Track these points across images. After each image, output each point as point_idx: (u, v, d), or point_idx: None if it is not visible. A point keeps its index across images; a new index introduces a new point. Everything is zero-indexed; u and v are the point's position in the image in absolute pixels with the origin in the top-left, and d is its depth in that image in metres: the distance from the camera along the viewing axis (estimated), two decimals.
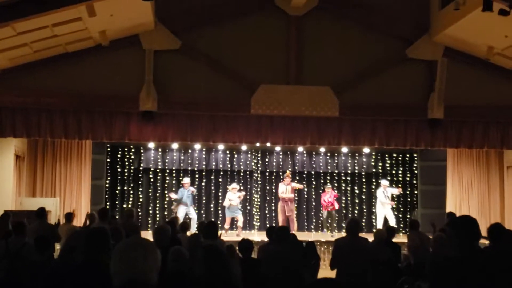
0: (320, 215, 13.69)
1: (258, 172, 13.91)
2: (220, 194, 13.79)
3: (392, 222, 12.27)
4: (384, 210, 12.60)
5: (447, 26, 9.98)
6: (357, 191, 14.10)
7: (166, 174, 13.77)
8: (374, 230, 11.46)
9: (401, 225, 13.77)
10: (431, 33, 10.64)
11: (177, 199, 12.25)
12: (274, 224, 12.24)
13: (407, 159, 14.01)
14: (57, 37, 9.17)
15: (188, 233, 8.07)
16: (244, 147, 13.36)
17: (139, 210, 13.34)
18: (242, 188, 13.18)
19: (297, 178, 13.94)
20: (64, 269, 3.71)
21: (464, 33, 9.98)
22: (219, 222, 12.35)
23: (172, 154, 13.56)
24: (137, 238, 2.50)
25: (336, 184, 13.72)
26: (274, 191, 13.30)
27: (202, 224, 7.77)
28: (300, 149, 13.52)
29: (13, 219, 8.04)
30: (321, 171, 13.95)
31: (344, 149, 13.41)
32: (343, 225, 12.33)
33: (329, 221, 12.86)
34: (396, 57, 10.86)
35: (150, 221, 13.49)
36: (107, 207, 12.79)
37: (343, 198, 13.94)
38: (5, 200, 10.56)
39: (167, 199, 13.64)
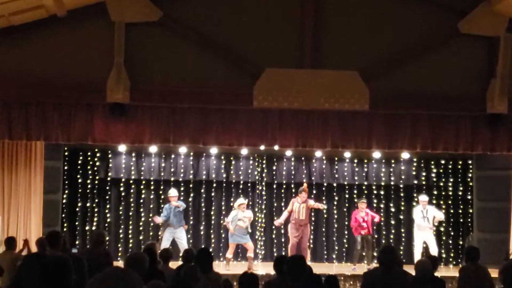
0: (345, 241, 13.64)
1: (263, 184, 13.89)
2: (212, 213, 13.77)
3: (434, 251, 12.22)
4: (423, 235, 12.55)
5: None
6: (393, 210, 14.06)
7: (142, 187, 13.76)
8: (415, 261, 11.45)
9: (451, 254, 13.71)
10: (491, 1, 10.58)
11: (165, 222, 12.24)
12: (284, 253, 12.20)
13: (459, 167, 13.98)
14: None
15: (171, 264, 8.04)
16: (244, 151, 13.33)
17: (106, 233, 13.30)
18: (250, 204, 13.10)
19: (314, 191, 13.90)
20: None
21: None
22: (211, 249, 12.28)
23: (149, 161, 13.55)
24: (117, 270, 2.44)
25: (366, 200, 13.65)
26: (283, 208, 13.25)
27: (189, 253, 7.73)
28: (318, 154, 13.49)
29: None
30: (345, 183, 13.92)
31: (376, 154, 13.37)
32: (375, 254, 12.28)
33: (365, 249, 12.72)
34: (444, 33, 10.84)
35: (120, 248, 13.47)
36: (64, 229, 12.79)
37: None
38: None
39: (143, 219, 13.62)
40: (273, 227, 13.78)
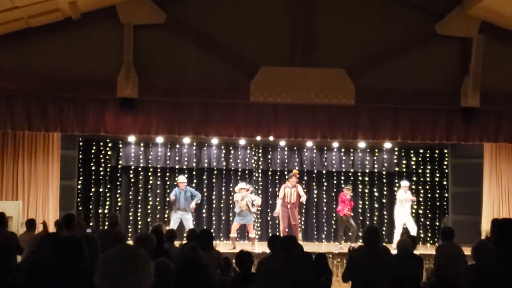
0: (333, 222, 13.66)
1: (259, 171, 13.87)
2: (213, 197, 13.77)
3: (413, 231, 12.24)
4: (403, 217, 12.56)
5: None
6: (376, 194, 14.08)
7: (150, 174, 13.74)
8: (395, 240, 11.47)
9: (429, 234, 13.75)
10: (465, 5, 10.54)
11: (175, 205, 12.18)
12: (278, 233, 12.22)
13: (436, 155, 13.99)
14: (18, 9, 9.08)
15: (177, 243, 8.05)
16: (242, 142, 13.31)
17: (119, 215, 13.30)
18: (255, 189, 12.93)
19: (305, 178, 13.91)
20: (28, 285, 3.66)
21: (505, 4, 9.88)
22: (212, 230, 12.29)
23: (156, 150, 13.52)
24: (126, 246, 2.44)
25: (351, 186, 13.64)
26: (277, 193, 13.25)
27: (193, 233, 7.74)
28: (309, 144, 13.48)
29: None
30: (333, 170, 13.92)
31: (361, 144, 13.37)
32: (360, 234, 12.29)
33: (347, 229, 12.75)
34: (423, 34, 10.79)
35: (130, 229, 13.47)
36: (80, 212, 12.78)
37: (360, 202, 13.90)
38: None
39: (150, 203, 13.61)
40: (268, 210, 13.79)
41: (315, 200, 14.03)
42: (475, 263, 4.52)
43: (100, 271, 2.27)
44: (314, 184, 14.03)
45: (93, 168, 13.44)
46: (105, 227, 11.34)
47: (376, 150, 13.87)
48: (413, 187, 13.79)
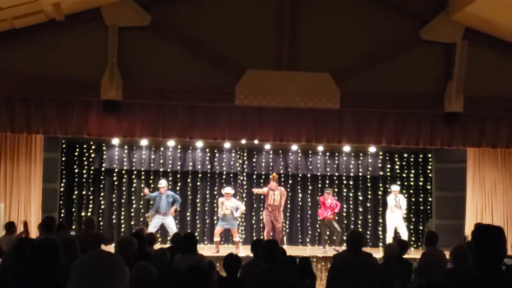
0: (317, 226, 13.69)
1: (244, 174, 13.87)
2: (198, 200, 13.75)
3: (404, 235, 12.29)
4: (395, 220, 12.60)
5: (469, 2, 9.98)
6: (360, 198, 14.12)
7: (133, 176, 13.69)
8: (381, 245, 11.49)
9: (413, 238, 13.82)
10: (449, 11, 10.65)
11: (153, 209, 12.12)
12: (262, 237, 12.22)
13: (420, 160, 14.08)
14: (1, 10, 9.04)
15: (156, 247, 8.02)
16: (227, 145, 13.31)
17: (100, 219, 13.27)
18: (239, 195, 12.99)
19: (290, 181, 13.94)
20: None
21: (488, 11, 9.99)
22: (196, 234, 12.25)
23: (140, 153, 13.47)
24: (101, 252, 2.43)
25: (336, 189, 13.70)
26: (262, 197, 13.27)
27: (177, 237, 7.73)
28: (294, 147, 13.50)
29: None
30: (318, 173, 13.95)
31: (346, 148, 13.42)
32: (344, 238, 12.33)
33: (328, 233, 12.79)
34: (408, 39, 10.87)
35: (113, 233, 13.37)
36: (62, 215, 12.70)
37: (344, 205, 13.94)
38: None
39: (134, 206, 13.56)
40: (253, 213, 13.79)
41: (300, 203, 14.05)
42: (453, 267, 4.59)
43: (75, 276, 2.26)
44: (298, 187, 14.05)
45: (76, 170, 13.36)
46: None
47: (361, 154, 13.93)
48: (399, 191, 13.87)
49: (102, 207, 13.52)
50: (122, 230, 13.44)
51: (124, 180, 13.66)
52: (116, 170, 13.56)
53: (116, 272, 2.27)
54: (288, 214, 13.77)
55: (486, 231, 3.16)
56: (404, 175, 14.08)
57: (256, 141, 11.37)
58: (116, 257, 2.36)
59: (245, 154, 13.81)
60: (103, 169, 13.52)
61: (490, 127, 11.02)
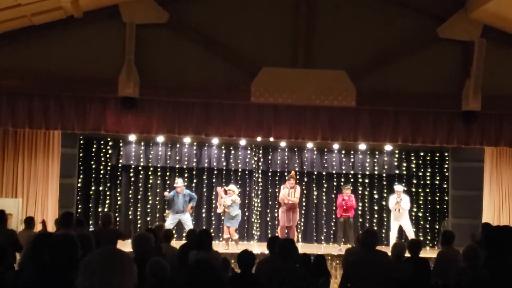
0: (332, 224, 13.67)
1: (259, 172, 13.89)
2: (213, 197, 13.79)
3: (410, 235, 12.21)
4: (399, 221, 12.50)
5: (487, 0, 9.90)
6: (376, 196, 14.08)
7: (150, 173, 13.77)
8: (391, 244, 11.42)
9: (428, 237, 13.75)
10: (467, 9, 10.56)
11: (172, 207, 12.21)
12: (277, 234, 12.24)
13: (436, 159, 13.99)
14: (20, 6, 9.11)
15: (174, 243, 8.08)
16: (242, 142, 13.33)
17: (116, 215, 13.34)
18: (240, 192, 13.02)
19: (305, 179, 13.93)
20: (25, 284, 3.68)
21: (507, 9, 9.90)
22: (212, 231, 12.32)
23: (156, 149, 13.54)
24: (110, 249, 2.45)
25: (351, 188, 13.65)
26: (277, 194, 13.28)
27: (192, 233, 7.76)
28: (309, 145, 13.49)
29: None
30: (334, 171, 13.93)
31: (362, 146, 13.38)
32: (353, 233, 12.31)
33: (345, 231, 12.72)
34: (425, 37, 10.80)
35: (130, 228, 13.46)
36: (79, 210, 12.81)
37: (360, 204, 13.91)
38: None
39: (150, 202, 13.64)
40: (268, 210, 13.81)
41: (315, 201, 14.04)
42: (465, 267, 4.58)
43: (84, 273, 2.29)
44: (314, 185, 14.04)
45: (93, 166, 13.46)
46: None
47: (377, 152, 13.88)
48: (413, 189, 13.82)
49: (119, 203, 13.62)
50: (139, 226, 13.53)
51: (140, 176, 13.75)
52: (132, 166, 13.64)
53: (124, 269, 2.29)
54: (303, 212, 13.78)
55: (497, 231, 3.15)
56: (421, 173, 14.01)
57: (271, 139, 11.36)
58: (124, 254, 2.39)
59: (260, 152, 13.83)
60: (120, 165, 13.61)
61: (508, 126, 10.93)
